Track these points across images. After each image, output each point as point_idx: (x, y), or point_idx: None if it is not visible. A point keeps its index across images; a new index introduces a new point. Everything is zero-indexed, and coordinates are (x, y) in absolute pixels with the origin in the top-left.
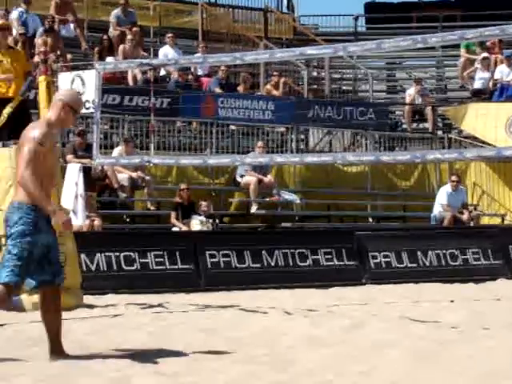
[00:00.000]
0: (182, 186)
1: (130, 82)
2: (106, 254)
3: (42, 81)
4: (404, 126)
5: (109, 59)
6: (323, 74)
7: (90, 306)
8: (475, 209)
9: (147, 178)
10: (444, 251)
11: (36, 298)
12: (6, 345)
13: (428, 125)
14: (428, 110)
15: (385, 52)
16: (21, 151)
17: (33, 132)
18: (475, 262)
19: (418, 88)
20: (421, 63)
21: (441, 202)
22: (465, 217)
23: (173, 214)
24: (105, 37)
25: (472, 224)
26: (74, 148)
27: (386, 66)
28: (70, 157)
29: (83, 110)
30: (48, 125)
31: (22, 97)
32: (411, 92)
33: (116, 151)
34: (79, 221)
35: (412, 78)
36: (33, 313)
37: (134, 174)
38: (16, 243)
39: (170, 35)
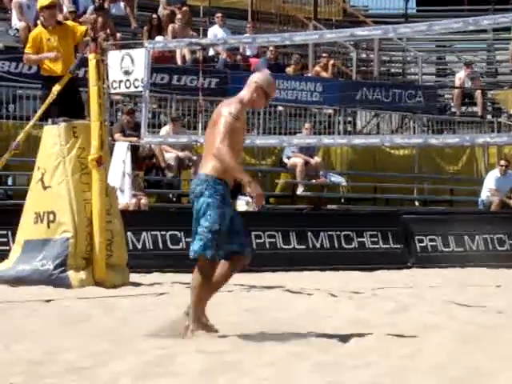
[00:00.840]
0: None
1: (179, 62)
2: (152, 232)
3: (91, 59)
4: (453, 110)
5: (158, 38)
6: (372, 56)
7: (136, 284)
8: None
9: (194, 157)
10: (491, 236)
11: (82, 274)
12: (53, 320)
13: (477, 109)
14: (478, 94)
15: (435, 34)
16: (215, 126)
17: (228, 108)
18: None
19: (468, 71)
20: (471, 46)
21: (489, 187)
22: None
23: None
24: (154, 16)
25: None
26: (122, 127)
27: (435, 48)
28: (118, 135)
29: (132, 89)
30: (241, 103)
31: (72, 74)
32: (461, 75)
33: (163, 130)
34: (126, 199)
35: (462, 61)
36: (79, 289)
37: (181, 154)
38: (206, 216)
39: (219, 15)
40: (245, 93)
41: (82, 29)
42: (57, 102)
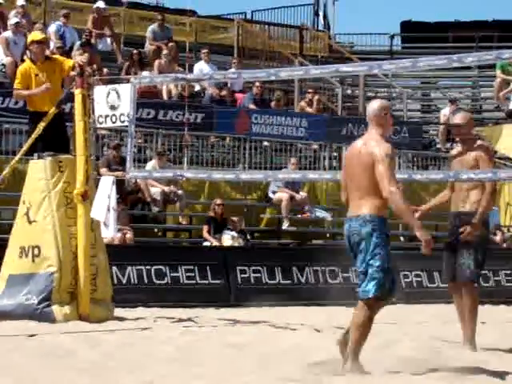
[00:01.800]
0: (218, 201)
1: (165, 97)
2: (138, 267)
3: (77, 93)
4: (438, 146)
5: (144, 73)
6: (357, 92)
7: (121, 319)
8: (508, 230)
9: (180, 192)
10: None
11: (67, 308)
12: (37, 355)
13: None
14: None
15: (420, 71)
16: (367, 167)
17: (379, 148)
18: (508, 284)
19: (453, 108)
20: (456, 83)
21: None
22: (498, 238)
23: (205, 228)
24: (135, 51)
25: (505, 245)
26: (108, 161)
27: (420, 85)
28: (103, 170)
29: (118, 124)
30: (386, 140)
31: (58, 108)
32: (446, 112)
33: (149, 165)
34: (110, 233)
35: (447, 98)
36: (63, 324)
37: (167, 188)
38: (376, 255)
39: (205, 51)
40: (378, 127)
41: (69, 63)
42: (43, 137)
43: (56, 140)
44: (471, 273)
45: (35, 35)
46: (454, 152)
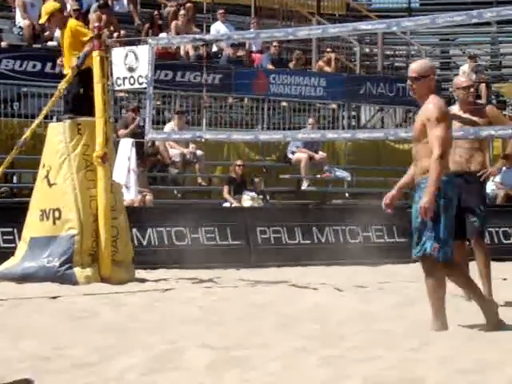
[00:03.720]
0: (238, 161)
1: (183, 58)
2: (158, 229)
3: (95, 56)
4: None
5: (162, 35)
6: (376, 50)
7: (142, 280)
8: None
9: (199, 153)
10: (497, 229)
11: (88, 271)
12: (60, 317)
13: (482, 101)
14: (482, 87)
15: (439, 28)
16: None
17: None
18: None
19: (472, 64)
20: (475, 39)
21: (494, 180)
22: None
23: (225, 189)
24: (156, 13)
25: None
26: (126, 123)
27: (439, 42)
28: (122, 132)
29: (136, 86)
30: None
31: (79, 68)
32: (465, 68)
33: (168, 126)
34: (131, 195)
35: (466, 55)
36: (85, 286)
37: (186, 150)
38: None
39: (221, 11)
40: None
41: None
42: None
43: (82, 102)
44: (481, 227)
45: (54, 5)
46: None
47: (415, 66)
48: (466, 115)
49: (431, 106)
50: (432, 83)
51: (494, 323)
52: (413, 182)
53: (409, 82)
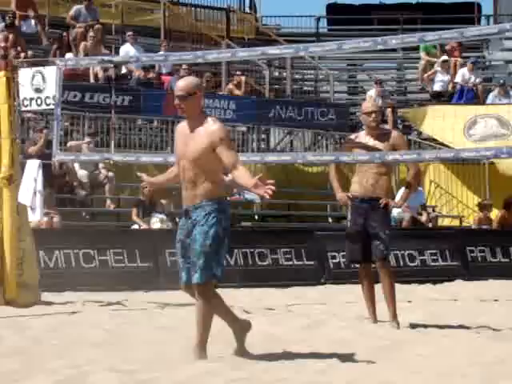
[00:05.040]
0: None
1: (91, 79)
2: (65, 251)
3: (1, 76)
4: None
5: (69, 55)
6: (285, 74)
7: (48, 303)
8: (433, 210)
9: (110, 174)
10: (402, 252)
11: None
12: None
13: (388, 126)
14: (388, 112)
15: (346, 53)
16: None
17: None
18: (433, 263)
19: (379, 90)
20: (381, 65)
21: None
22: (423, 218)
23: (134, 211)
24: (64, 34)
25: (430, 225)
26: (35, 144)
27: (347, 67)
28: (32, 149)
29: (43, 106)
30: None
31: None
32: (372, 93)
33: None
34: (37, 217)
35: (373, 80)
36: None
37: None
38: None
39: (130, 33)
40: (196, 109)
41: None
42: None
43: None
44: (385, 251)
45: None
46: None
47: (182, 85)
48: (372, 140)
49: (216, 126)
50: (200, 100)
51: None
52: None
53: (176, 101)
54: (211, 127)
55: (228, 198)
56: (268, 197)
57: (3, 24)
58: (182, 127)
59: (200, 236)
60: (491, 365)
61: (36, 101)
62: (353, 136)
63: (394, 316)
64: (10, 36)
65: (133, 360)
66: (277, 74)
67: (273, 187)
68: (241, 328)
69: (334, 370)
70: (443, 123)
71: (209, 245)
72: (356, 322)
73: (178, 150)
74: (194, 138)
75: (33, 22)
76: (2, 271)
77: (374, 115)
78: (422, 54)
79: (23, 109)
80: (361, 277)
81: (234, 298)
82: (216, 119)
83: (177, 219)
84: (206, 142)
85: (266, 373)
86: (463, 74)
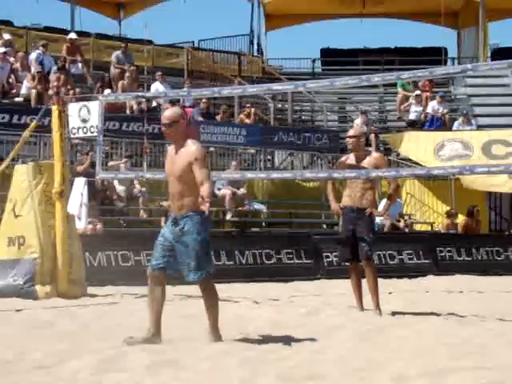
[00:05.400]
0: None
1: (128, 111)
2: (106, 252)
3: (54, 109)
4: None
5: (107, 91)
6: (286, 106)
7: (93, 296)
8: (409, 217)
9: (143, 189)
10: (384, 252)
11: (48, 288)
12: (23, 326)
13: (371, 148)
14: (372, 137)
15: (337, 89)
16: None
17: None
18: (409, 262)
19: (364, 118)
20: (366, 98)
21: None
22: (401, 224)
23: (162, 219)
24: (105, 74)
25: (407, 230)
26: (81, 165)
27: (337, 100)
28: (79, 168)
29: (88, 134)
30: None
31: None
32: (358, 121)
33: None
34: (82, 225)
35: (359, 111)
36: (45, 301)
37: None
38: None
39: (159, 73)
40: (180, 134)
41: None
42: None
43: None
44: (369, 251)
45: None
46: (343, 158)
47: (167, 114)
48: (355, 160)
49: (194, 147)
50: (182, 127)
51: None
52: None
53: (163, 128)
54: (190, 148)
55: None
56: (206, 211)
57: (56, 67)
58: (171, 150)
59: (192, 242)
60: (457, 345)
61: (82, 129)
62: (344, 158)
63: (377, 305)
64: (62, 77)
65: (162, 342)
66: (280, 105)
67: (208, 206)
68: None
69: (328, 349)
70: (417, 146)
71: (199, 249)
72: (346, 310)
73: (167, 168)
74: (178, 159)
75: (80, 65)
76: (55, 269)
77: (358, 138)
78: (399, 90)
79: (72, 136)
80: (350, 273)
81: (245, 290)
82: (195, 142)
83: None
84: (186, 161)
85: (272, 352)
86: (433, 106)
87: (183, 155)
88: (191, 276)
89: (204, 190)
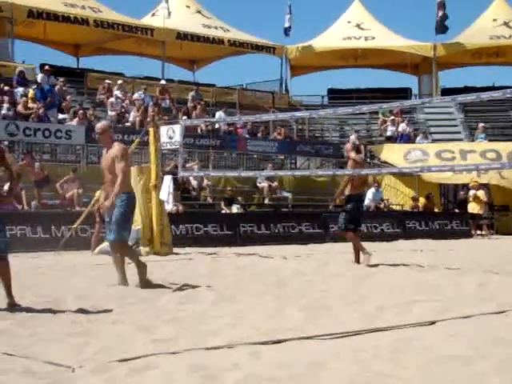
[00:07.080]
0: (229, 187)
1: (199, 131)
2: (186, 225)
3: (151, 131)
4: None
5: (184, 118)
6: (305, 127)
7: (176, 253)
8: (387, 201)
9: (209, 183)
10: (370, 224)
11: (147, 248)
12: (130, 273)
13: (362, 155)
14: (361, 147)
15: (338, 115)
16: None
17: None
18: (387, 230)
19: (356, 135)
20: (358, 122)
21: (369, 197)
22: (382, 206)
23: (222, 203)
24: (184, 107)
25: (385, 210)
26: (168, 167)
27: (339, 123)
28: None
29: (173, 147)
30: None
31: (141, 139)
32: (352, 137)
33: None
34: (170, 207)
35: (353, 129)
36: (146, 257)
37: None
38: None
39: (220, 106)
40: (109, 140)
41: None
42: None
43: None
44: (342, 225)
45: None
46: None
47: (98, 126)
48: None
49: (116, 147)
50: (110, 135)
51: (145, 282)
52: None
53: (96, 136)
54: (114, 148)
55: (135, 191)
56: (102, 209)
57: (152, 103)
58: (104, 151)
59: (116, 212)
60: (418, 284)
61: (169, 144)
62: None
63: (357, 261)
64: (156, 109)
65: (223, 283)
66: (300, 127)
67: (107, 205)
68: (143, 267)
69: (333, 288)
70: (392, 153)
71: (119, 218)
72: (346, 263)
73: (102, 163)
74: (107, 156)
75: (168, 101)
76: (152, 236)
77: (352, 149)
78: (380, 116)
79: (162, 148)
80: (351, 237)
81: (278, 251)
82: (119, 143)
83: (246, 207)
84: (110, 158)
85: (297, 292)
86: (402, 127)
87: (109, 154)
88: (110, 238)
89: (116, 186)
